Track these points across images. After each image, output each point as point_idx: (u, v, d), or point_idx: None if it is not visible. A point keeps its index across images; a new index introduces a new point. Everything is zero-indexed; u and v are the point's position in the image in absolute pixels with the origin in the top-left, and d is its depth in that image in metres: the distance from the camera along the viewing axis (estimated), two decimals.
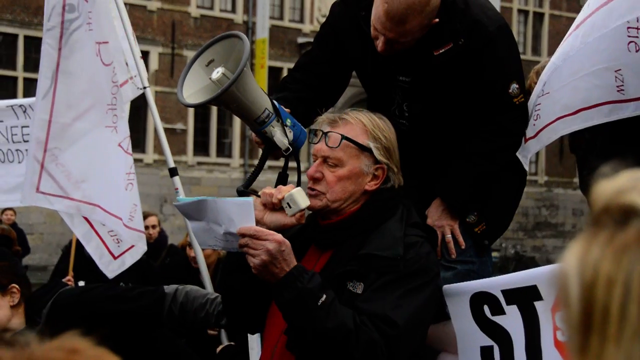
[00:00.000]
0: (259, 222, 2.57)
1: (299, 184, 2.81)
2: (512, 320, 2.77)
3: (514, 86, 3.20)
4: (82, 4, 4.41)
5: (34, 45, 24.64)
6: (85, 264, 6.00)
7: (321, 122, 2.79)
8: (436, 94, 3.24)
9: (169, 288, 3.49)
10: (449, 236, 3.25)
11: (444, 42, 3.13)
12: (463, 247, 3.27)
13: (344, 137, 2.68)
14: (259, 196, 2.68)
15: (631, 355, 0.86)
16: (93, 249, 4.67)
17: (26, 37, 24.42)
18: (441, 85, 3.21)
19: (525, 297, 2.73)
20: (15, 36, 24.35)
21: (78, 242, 6.29)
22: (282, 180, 2.95)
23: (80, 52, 4.42)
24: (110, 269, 4.78)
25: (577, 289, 0.91)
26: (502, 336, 2.81)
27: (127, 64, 5.12)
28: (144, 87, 5.10)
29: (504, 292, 2.80)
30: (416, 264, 2.57)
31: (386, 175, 2.73)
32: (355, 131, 2.71)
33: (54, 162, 4.35)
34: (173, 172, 5.00)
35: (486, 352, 2.85)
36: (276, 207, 2.65)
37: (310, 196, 2.67)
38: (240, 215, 2.51)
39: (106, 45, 4.50)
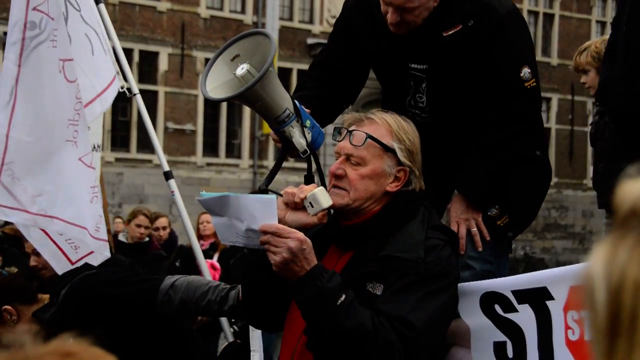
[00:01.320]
0: (280, 221, 2.57)
1: (323, 184, 2.81)
2: (525, 317, 2.78)
3: (526, 70, 3.19)
4: (47, 22, 4.44)
5: None
6: None
7: (346, 120, 2.79)
8: (450, 81, 3.23)
9: (170, 278, 3.51)
10: (474, 229, 3.24)
11: (454, 23, 3.14)
12: (488, 239, 3.25)
13: (368, 136, 2.68)
14: (281, 195, 2.68)
15: None
16: (49, 255, 4.70)
17: None
18: (454, 71, 3.20)
19: (536, 297, 2.74)
20: None
21: None
22: (308, 182, 2.95)
23: (42, 69, 4.46)
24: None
25: (603, 293, 0.89)
26: (514, 332, 2.81)
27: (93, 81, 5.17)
28: (134, 94, 5.21)
29: (514, 292, 2.80)
30: (436, 267, 2.57)
31: (408, 178, 2.72)
32: (380, 131, 2.71)
33: (11, 176, 4.40)
34: (168, 175, 5.07)
35: (499, 347, 2.86)
36: (298, 206, 2.65)
37: (332, 193, 2.67)
38: (263, 212, 2.52)
39: (71, 62, 4.55)
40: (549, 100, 31.80)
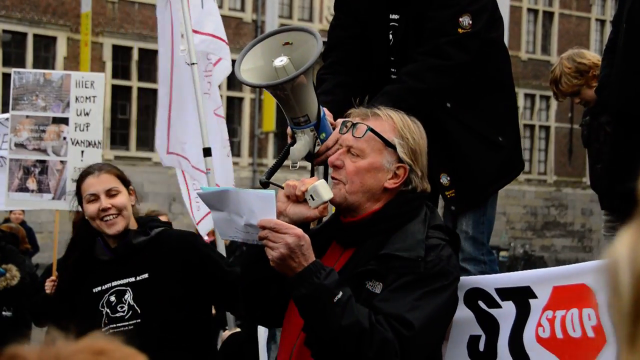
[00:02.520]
0: (282, 214, 2.57)
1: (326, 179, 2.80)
2: (505, 313, 2.83)
3: (466, 19, 3.22)
4: None
5: (43, 44, 24.73)
6: None
7: (352, 114, 2.79)
8: (415, 31, 3.29)
9: None
10: None
11: None
12: None
13: (369, 129, 2.68)
14: (282, 188, 2.68)
15: None
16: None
17: (35, 36, 24.50)
18: (418, 19, 3.27)
19: (520, 295, 2.80)
20: (25, 35, 24.44)
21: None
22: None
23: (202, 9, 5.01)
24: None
25: (628, 278, 0.89)
26: (491, 327, 2.87)
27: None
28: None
29: (497, 290, 2.85)
30: (436, 267, 2.56)
31: (407, 176, 2.70)
32: (383, 126, 2.70)
33: (172, 121, 4.93)
34: (207, 152, 5.22)
35: (473, 340, 2.91)
36: (299, 199, 2.65)
37: (330, 185, 2.67)
38: (262, 207, 2.51)
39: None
40: (548, 98, 31.83)
